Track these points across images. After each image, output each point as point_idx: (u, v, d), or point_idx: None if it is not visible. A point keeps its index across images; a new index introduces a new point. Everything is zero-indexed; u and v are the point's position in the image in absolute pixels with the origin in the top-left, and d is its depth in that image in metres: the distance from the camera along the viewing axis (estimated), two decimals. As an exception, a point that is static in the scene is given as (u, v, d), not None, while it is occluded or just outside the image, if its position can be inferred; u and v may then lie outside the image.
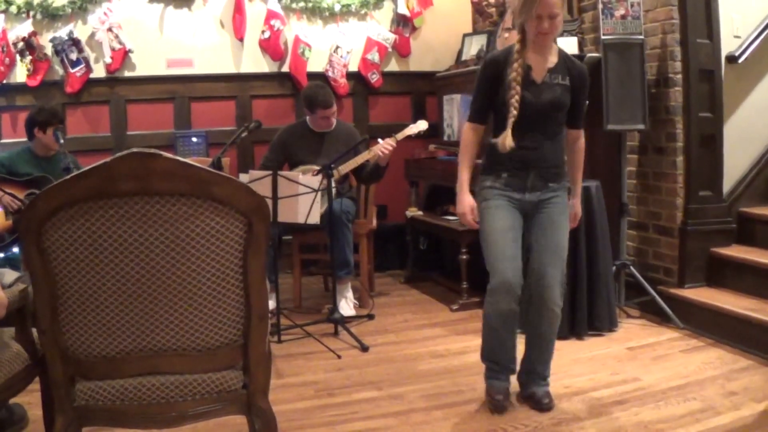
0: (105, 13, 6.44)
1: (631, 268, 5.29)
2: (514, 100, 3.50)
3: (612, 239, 5.08)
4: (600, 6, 5.15)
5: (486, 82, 3.67)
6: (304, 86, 6.39)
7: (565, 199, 3.78)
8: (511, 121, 3.51)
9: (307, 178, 4.81)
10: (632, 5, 5.11)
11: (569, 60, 3.70)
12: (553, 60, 3.63)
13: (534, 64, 3.59)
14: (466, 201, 3.69)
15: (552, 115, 3.61)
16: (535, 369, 3.84)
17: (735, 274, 5.01)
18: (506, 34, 6.15)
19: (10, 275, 2.88)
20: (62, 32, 6.34)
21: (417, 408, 3.83)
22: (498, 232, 3.65)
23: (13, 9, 6.24)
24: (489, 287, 3.67)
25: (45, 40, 6.35)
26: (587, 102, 3.83)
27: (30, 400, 3.37)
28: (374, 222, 6.07)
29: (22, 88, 6.35)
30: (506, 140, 3.52)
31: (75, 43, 6.36)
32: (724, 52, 5.25)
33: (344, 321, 5.15)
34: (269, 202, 4.57)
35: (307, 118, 5.81)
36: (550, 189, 3.69)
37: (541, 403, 3.75)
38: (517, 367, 3.89)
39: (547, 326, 3.75)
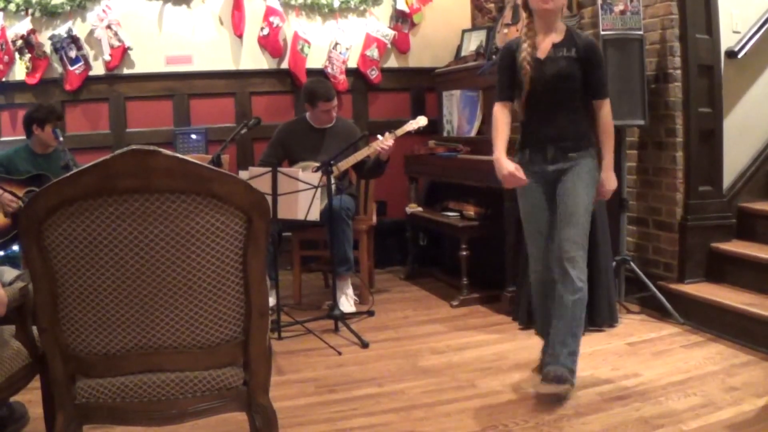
0: (104, 11, 6.44)
1: (631, 263, 5.29)
2: (527, 77, 3.72)
3: (612, 235, 5.08)
4: (599, 1, 5.14)
5: (503, 68, 3.91)
6: (304, 82, 6.39)
7: (589, 163, 3.84)
8: (523, 95, 3.79)
9: (307, 174, 4.81)
10: (631, 1, 5.10)
11: (576, 34, 3.84)
12: (558, 37, 3.78)
13: (539, 42, 3.77)
14: (503, 165, 3.78)
15: (560, 86, 3.74)
16: (554, 345, 3.84)
17: (735, 269, 5.01)
18: (505, 30, 6.15)
19: (9, 273, 2.88)
20: (61, 30, 6.33)
21: (417, 404, 3.83)
22: (527, 213, 3.96)
23: (12, 7, 6.23)
24: (530, 264, 4.05)
25: (44, 38, 6.35)
26: (604, 74, 3.93)
27: (30, 398, 3.37)
28: (374, 218, 6.07)
29: (21, 86, 6.36)
30: (518, 107, 3.82)
31: (74, 40, 6.36)
32: (723, 48, 5.25)
33: (344, 317, 5.15)
34: (269, 198, 4.56)
35: (307, 114, 5.81)
36: (570, 159, 3.80)
37: (562, 378, 3.71)
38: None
39: (568, 292, 3.76)
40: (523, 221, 4.01)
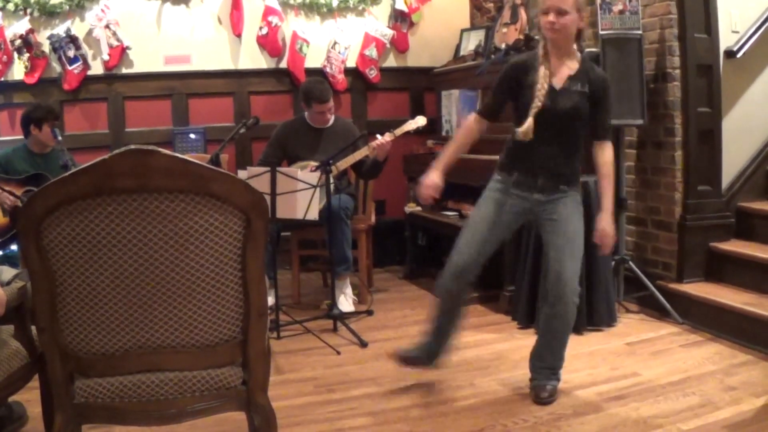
0: (102, 10, 6.43)
1: (630, 263, 5.29)
2: (540, 94, 3.55)
3: (611, 234, 5.08)
4: (598, 1, 5.14)
5: (507, 83, 3.75)
6: (302, 82, 6.39)
7: (577, 197, 3.76)
8: (534, 111, 3.56)
9: (306, 174, 4.81)
10: (630, 0, 5.10)
11: (591, 68, 3.70)
12: (573, 66, 3.64)
13: (554, 70, 3.62)
14: (431, 175, 3.76)
15: (569, 123, 3.62)
16: (546, 363, 3.89)
17: (734, 269, 5.02)
18: (504, 29, 6.16)
19: (8, 273, 2.87)
20: (60, 29, 6.33)
21: (416, 404, 3.83)
22: (474, 220, 3.78)
23: (11, 6, 6.22)
24: (446, 264, 3.78)
25: (42, 38, 6.34)
26: (610, 115, 3.80)
27: (29, 398, 3.36)
28: (373, 218, 6.07)
29: (19, 86, 6.35)
30: (528, 128, 3.57)
31: (72, 40, 6.35)
32: (722, 47, 5.25)
33: (343, 317, 5.15)
34: (268, 198, 4.56)
35: (306, 113, 5.80)
36: (560, 191, 3.70)
37: (539, 396, 3.79)
38: (441, 355, 4.04)
39: (559, 322, 3.75)
40: (465, 225, 3.83)
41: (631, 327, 4.98)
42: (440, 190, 3.78)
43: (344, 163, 5.48)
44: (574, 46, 3.66)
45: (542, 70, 3.58)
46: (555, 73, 3.62)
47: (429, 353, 3.99)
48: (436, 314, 3.92)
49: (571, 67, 3.63)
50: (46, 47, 6.36)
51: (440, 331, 3.94)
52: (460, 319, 3.97)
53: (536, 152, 3.64)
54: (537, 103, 3.55)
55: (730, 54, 5.27)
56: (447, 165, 3.80)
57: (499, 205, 3.73)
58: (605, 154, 3.75)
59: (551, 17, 3.49)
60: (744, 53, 5.28)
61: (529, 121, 3.55)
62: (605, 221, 3.69)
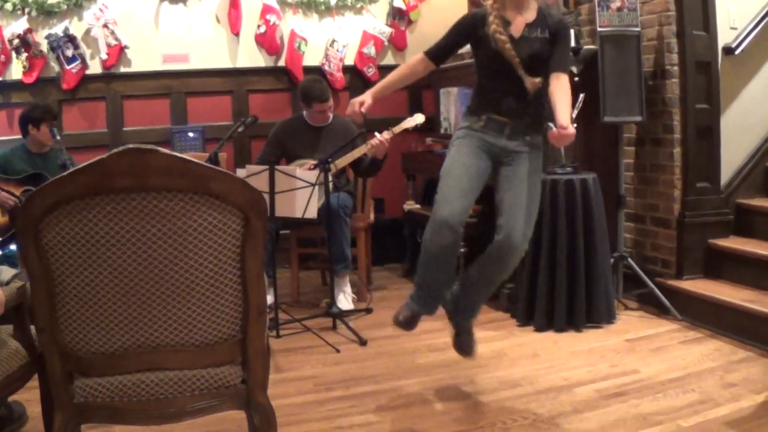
0: (100, 9, 6.43)
1: (629, 260, 5.29)
2: (508, 49, 3.55)
3: (610, 231, 5.09)
4: (596, -2, 5.15)
5: (462, 30, 3.80)
6: (301, 80, 6.39)
7: (540, 156, 3.73)
8: (520, 67, 3.56)
9: (305, 172, 4.81)
10: (628, -3, 5.11)
11: (548, 14, 3.71)
12: (531, 16, 3.65)
13: (511, 20, 3.62)
14: (363, 96, 3.88)
15: (531, 67, 3.59)
16: (469, 304, 3.85)
17: (733, 266, 5.02)
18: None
19: (7, 272, 2.88)
20: (58, 29, 6.32)
21: (416, 401, 3.83)
22: (455, 171, 3.66)
23: (9, 6, 6.22)
24: (432, 219, 3.60)
25: (40, 37, 6.34)
26: (571, 52, 3.91)
27: (29, 398, 3.36)
28: (372, 216, 6.07)
29: (18, 86, 6.35)
30: (530, 82, 3.57)
31: (70, 39, 6.35)
32: (720, 44, 5.25)
33: (342, 315, 5.15)
34: (266, 196, 4.56)
35: (304, 112, 5.80)
36: (526, 142, 3.66)
37: (464, 350, 3.88)
38: (445, 300, 3.88)
39: (500, 269, 3.73)
40: (444, 175, 3.69)
41: (631, 324, 4.98)
42: (368, 109, 3.84)
43: (343, 161, 5.47)
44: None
45: (492, 18, 3.60)
46: (512, 23, 3.62)
47: (428, 305, 3.80)
48: (429, 272, 3.71)
49: (527, 17, 3.64)
50: (44, 47, 6.36)
51: (435, 288, 3.77)
52: (454, 274, 3.81)
53: (503, 96, 3.63)
54: (515, 60, 3.55)
55: (728, 51, 5.27)
56: (380, 90, 3.92)
57: (474, 149, 3.68)
58: (560, 80, 3.62)
59: None
60: (742, 50, 5.28)
61: (527, 81, 3.56)
62: (566, 121, 3.42)
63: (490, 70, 3.69)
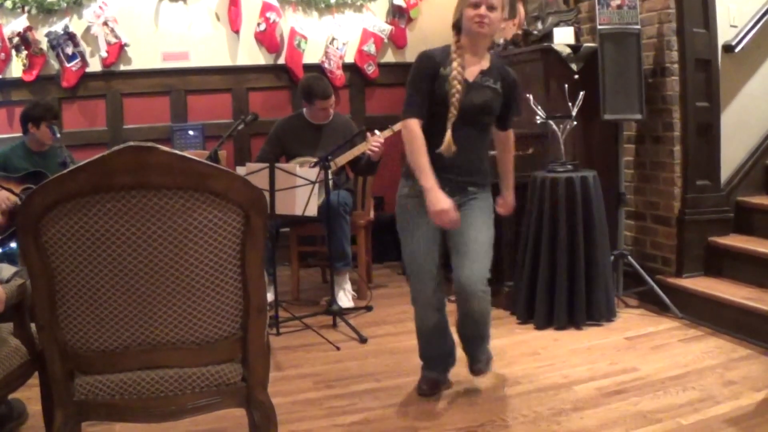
0: (100, 7, 6.43)
1: (629, 257, 5.29)
2: (455, 99, 3.44)
3: (610, 229, 5.09)
4: (596, -4, 5.15)
5: (423, 78, 3.53)
6: (301, 78, 6.39)
7: (487, 199, 3.70)
8: (450, 122, 3.46)
9: (305, 170, 4.81)
10: (628, -5, 5.11)
11: (502, 67, 3.68)
12: (485, 64, 3.60)
13: (467, 65, 3.55)
14: (440, 198, 3.40)
15: (479, 118, 3.57)
16: (473, 354, 3.96)
17: (733, 264, 5.02)
18: (502, 25, 6.14)
19: (8, 270, 2.88)
20: (58, 27, 6.33)
21: (416, 399, 3.83)
22: (420, 250, 3.63)
23: (8, 4, 6.22)
24: (414, 303, 3.76)
25: (40, 35, 6.35)
26: (516, 110, 3.84)
27: (29, 395, 3.36)
28: (372, 213, 6.07)
29: (17, 83, 6.35)
30: (448, 143, 3.45)
31: (70, 37, 6.35)
32: (720, 42, 5.25)
33: (342, 313, 5.15)
34: (267, 194, 4.56)
35: (304, 109, 5.80)
36: (470, 193, 3.63)
37: (473, 370, 3.96)
38: (455, 359, 4.01)
39: (477, 324, 3.81)
40: (410, 261, 3.68)
41: (631, 322, 4.98)
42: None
43: (342, 159, 5.47)
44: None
45: (455, 65, 3.47)
46: (467, 67, 3.54)
47: (442, 369, 3.99)
48: (431, 346, 3.90)
49: (482, 64, 3.59)
50: (44, 45, 6.36)
51: (441, 355, 3.94)
52: (451, 337, 3.97)
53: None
54: (453, 112, 3.44)
55: (728, 48, 5.27)
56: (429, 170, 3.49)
57: (425, 225, 3.58)
58: (509, 140, 3.87)
59: (482, 11, 3.40)
60: (742, 48, 5.27)
61: (448, 135, 3.45)
62: (509, 194, 3.92)
63: (437, 117, 3.50)
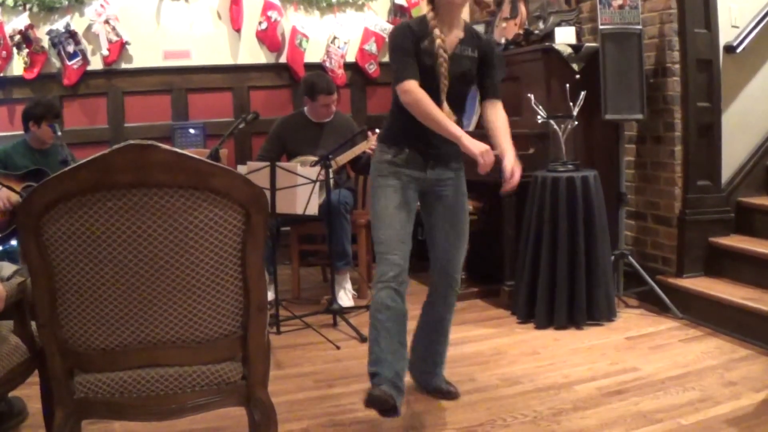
0: (102, 6, 6.44)
1: (630, 257, 5.29)
2: (444, 69, 3.40)
3: (610, 229, 5.08)
4: (598, -4, 5.15)
5: (409, 44, 3.42)
6: (302, 77, 6.40)
7: (464, 180, 3.65)
8: (444, 92, 3.41)
9: (306, 169, 4.81)
10: (630, -5, 5.11)
11: (476, 33, 3.63)
12: (460, 33, 3.54)
13: (445, 36, 3.48)
14: (477, 142, 3.29)
15: (459, 87, 3.52)
16: (435, 358, 3.81)
17: (733, 264, 5.02)
18: (504, 24, 6.15)
19: (8, 268, 2.87)
20: (59, 25, 6.33)
21: (416, 398, 3.83)
22: (390, 212, 3.47)
23: (10, 2, 6.22)
24: (379, 274, 3.43)
25: (42, 33, 6.35)
26: (498, 75, 3.73)
27: (29, 393, 3.36)
28: (372, 213, 6.06)
29: (19, 81, 6.35)
30: (448, 114, 3.40)
31: (72, 35, 6.35)
32: (722, 42, 5.24)
33: (343, 312, 5.15)
34: (267, 193, 4.56)
35: (305, 108, 5.80)
36: (450, 168, 3.58)
37: (451, 394, 3.82)
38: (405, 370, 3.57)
39: (449, 312, 3.76)
40: (378, 221, 3.50)
41: (631, 322, 4.98)
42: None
43: (343, 158, 5.48)
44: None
45: (436, 32, 3.41)
46: (445, 40, 3.48)
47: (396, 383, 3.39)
48: (388, 330, 3.41)
49: (457, 34, 3.54)
50: (46, 43, 6.36)
51: (397, 347, 3.47)
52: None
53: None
54: (444, 83, 3.40)
55: (729, 49, 5.26)
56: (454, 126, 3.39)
57: (401, 190, 3.50)
58: (497, 109, 3.60)
59: None
60: (744, 48, 5.27)
61: (446, 107, 3.40)
62: (513, 161, 3.40)
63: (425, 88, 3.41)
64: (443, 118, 3.34)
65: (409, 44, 3.43)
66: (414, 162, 3.51)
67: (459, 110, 3.59)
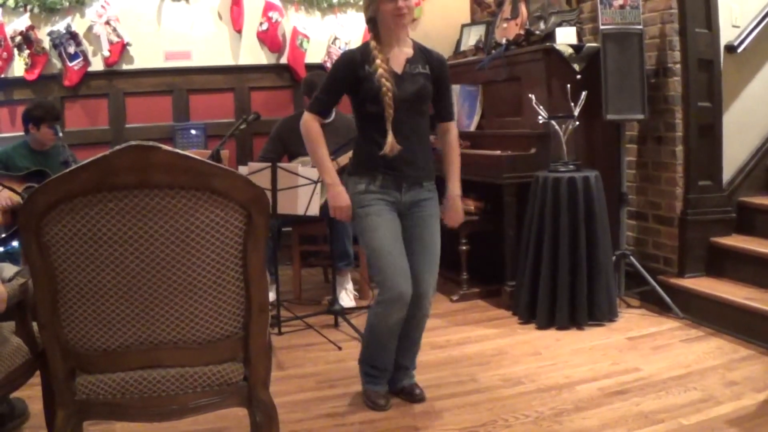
0: (102, 6, 6.44)
1: (631, 257, 5.29)
2: (388, 98, 3.42)
3: (612, 229, 5.08)
4: (599, -4, 5.15)
5: (340, 80, 3.56)
6: (303, 77, 6.39)
7: (436, 197, 3.68)
8: (389, 121, 3.44)
9: (307, 169, 4.81)
10: (631, -5, 5.11)
11: (425, 49, 3.65)
12: (409, 51, 3.57)
13: (391, 57, 3.52)
14: (344, 196, 3.56)
15: (417, 106, 3.54)
16: (403, 364, 3.85)
17: (735, 264, 5.01)
18: (504, 24, 6.15)
19: (9, 269, 2.87)
20: (60, 26, 6.34)
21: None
22: (389, 244, 3.52)
23: (11, 3, 6.23)
24: (382, 299, 3.53)
25: (43, 34, 6.36)
26: (451, 94, 3.78)
27: (31, 394, 3.37)
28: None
29: (20, 83, 6.36)
30: (390, 143, 3.45)
31: (73, 36, 6.36)
32: (723, 42, 5.24)
33: (344, 312, 5.15)
34: (269, 194, 4.56)
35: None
36: (425, 189, 3.61)
37: (413, 395, 3.81)
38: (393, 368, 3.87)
39: (419, 331, 3.79)
40: (375, 254, 3.53)
41: (632, 322, 4.97)
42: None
43: (344, 159, 5.46)
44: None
45: (378, 62, 3.45)
46: (392, 60, 3.51)
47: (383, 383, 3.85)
48: (384, 344, 3.73)
49: (406, 52, 3.55)
50: (47, 44, 6.37)
51: (390, 353, 3.80)
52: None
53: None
54: (389, 111, 3.43)
55: (730, 49, 5.26)
56: (330, 167, 3.64)
57: (385, 216, 3.55)
58: (453, 134, 3.74)
59: (400, 2, 3.39)
60: (745, 48, 5.27)
61: (390, 138, 3.44)
62: (456, 201, 3.70)
63: (374, 116, 3.50)
64: (323, 158, 3.61)
65: (342, 76, 3.55)
66: (388, 186, 3.56)
67: (420, 131, 3.59)
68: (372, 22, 3.54)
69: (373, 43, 3.50)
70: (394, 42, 3.53)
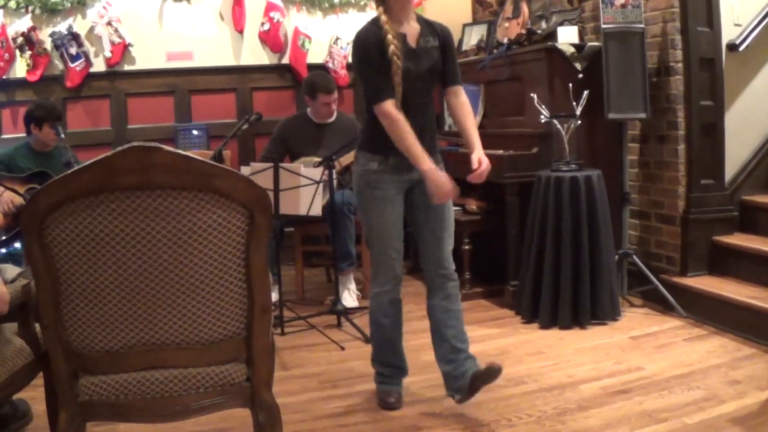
0: (104, 7, 6.44)
1: (634, 257, 5.28)
2: (398, 76, 3.38)
3: (614, 228, 5.08)
4: (601, -5, 5.14)
5: (380, 59, 3.39)
6: (305, 76, 6.40)
7: (443, 168, 3.59)
8: (399, 97, 3.39)
9: (309, 170, 4.81)
10: (632, -6, 5.11)
11: (429, 22, 3.62)
12: (416, 26, 3.52)
13: (404, 30, 3.47)
14: (446, 177, 3.41)
15: (429, 81, 3.54)
16: (459, 348, 3.68)
17: (737, 263, 5.01)
18: (506, 24, 6.15)
19: (12, 271, 2.88)
20: (61, 27, 6.34)
21: (421, 399, 3.83)
22: (390, 227, 3.58)
23: (12, 4, 6.23)
24: (376, 281, 3.65)
25: (44, 35, 6.36)
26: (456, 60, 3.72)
27: (34, 396, 3.37)
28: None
29: (22, 84, 6.36)
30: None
31: (74, 37, 6.36)
32: (724, 41, 5.23)
33: (347, 312, 5.15)
34: (271, 194, 4.56)
35: (308, 109, 5.81)
36: (434, 160, 3.51)
37: (492, 369, 3.53)
38: (408, 367, 3.89)
39: (452, 302, 3.74)
40: (377, 235, 3.61)
41: (635, 321, 4.97)
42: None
43: (347, 159, 5.47)
44: None
45: (390, 38, 3.36)
46: (408, 34, 3.47)
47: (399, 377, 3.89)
48: (388, 335, 3.82)
49: (415, 26, 3.52)
50: (48, 45, 6.37)
51: (398, 348, 3.87)
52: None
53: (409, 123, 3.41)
54: (398, 90, 3.38)
55: (732, 47, 5.26)
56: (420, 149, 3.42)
57: (392, 199, 3.58)
58: (461, 97, 3.63)
59: None
60: (746, 46, 5.26)
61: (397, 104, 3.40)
62: (481, 154, 3.52)
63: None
64: (416, 149, 3.37)
65: (375, 55, 3.40)
66: (400, 166, 3.53)
67: (429, 106, 3.60)
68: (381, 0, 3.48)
69: (384, 18, 3.42)
70: (404, 16, 3.48)
